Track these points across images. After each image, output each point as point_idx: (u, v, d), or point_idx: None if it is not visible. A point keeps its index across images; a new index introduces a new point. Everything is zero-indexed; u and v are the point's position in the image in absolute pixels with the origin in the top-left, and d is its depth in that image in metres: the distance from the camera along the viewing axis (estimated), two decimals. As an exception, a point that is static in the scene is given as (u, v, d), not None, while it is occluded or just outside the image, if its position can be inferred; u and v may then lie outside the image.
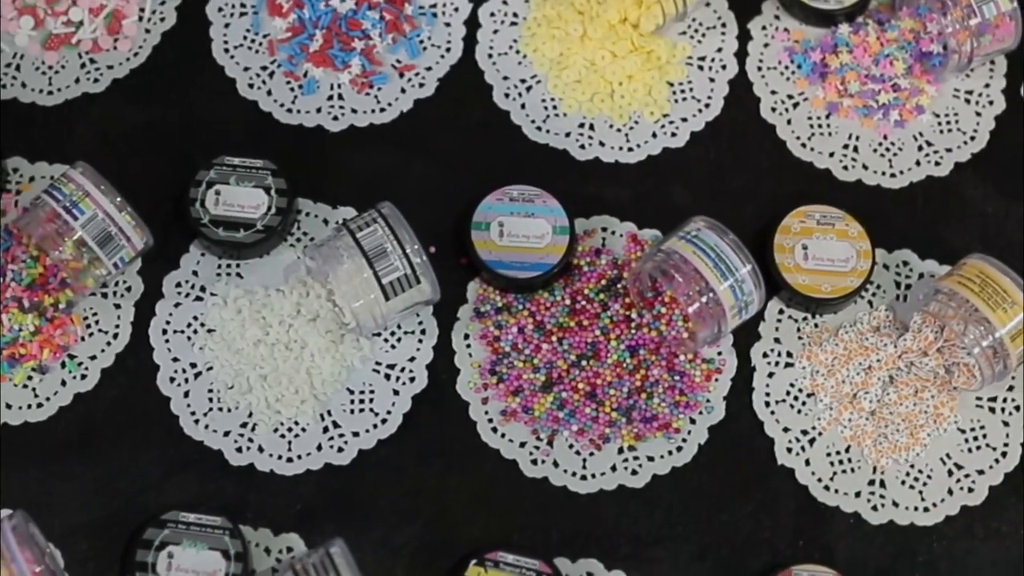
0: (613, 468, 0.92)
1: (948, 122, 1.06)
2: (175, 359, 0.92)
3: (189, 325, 0.93)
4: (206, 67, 1.03)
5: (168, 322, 0.93)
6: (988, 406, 0.96)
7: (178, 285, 0.94)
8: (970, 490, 0.92)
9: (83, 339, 0.93)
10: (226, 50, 1.02)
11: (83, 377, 0.91)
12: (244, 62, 1.02)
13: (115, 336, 0.93)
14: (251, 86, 1.01)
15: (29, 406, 0.89)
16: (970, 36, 1.01)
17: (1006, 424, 0.95)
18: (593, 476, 0.92)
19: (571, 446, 0.92)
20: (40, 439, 0.88)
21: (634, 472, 0.91)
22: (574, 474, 0.92)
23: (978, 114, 1.06)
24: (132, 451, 0.89)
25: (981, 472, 0.93)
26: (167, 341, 0.92)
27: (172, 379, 0.91)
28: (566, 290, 0.95)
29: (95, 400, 0.90)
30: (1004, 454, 0.94)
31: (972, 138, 1.05)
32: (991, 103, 1.06)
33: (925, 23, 1.04)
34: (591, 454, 0.92)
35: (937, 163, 1.04)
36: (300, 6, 1.01)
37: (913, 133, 1.05)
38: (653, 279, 0.92)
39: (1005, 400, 0.96)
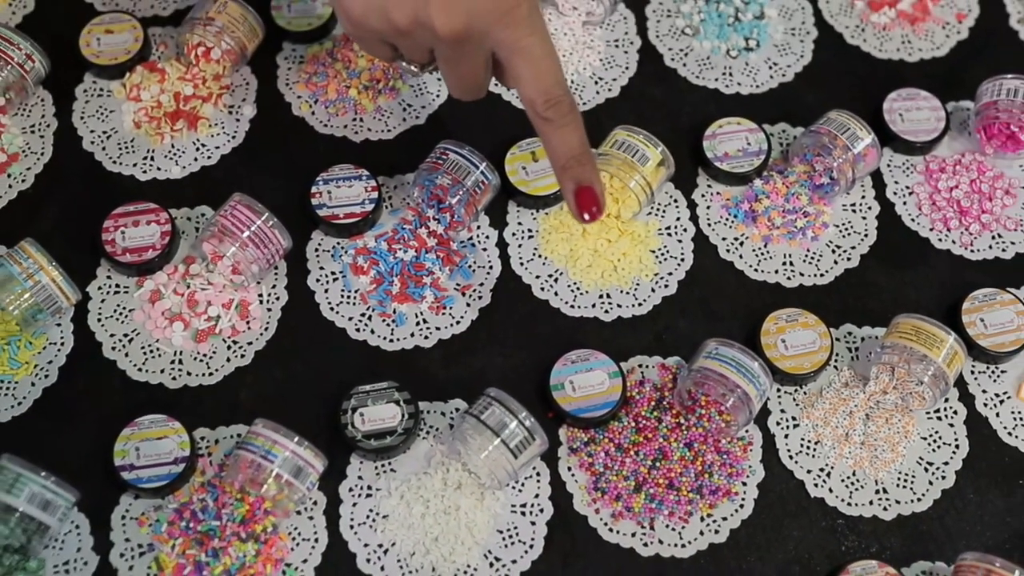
0: (701, 532, 1.03)
1: (846, 229, 1.18)
2: (365, 545, 1.01)
3: (368, 516, 1.02)
4: (320, 325, 1.10)
5: (352, 518, 1.02)
6: (936, 416, 1.09)
7: (350, 490, 1.03)
8: (943, 478, 1.06)
9: (292, 549, 1.01)
10: (332, 308, 1.11)
11: (302, 577, 1.02)
12: (347, 313, 1.11)
13: (316, 540, 1.01)
14: (357, 330, 1.10)
15: (267, 610, 0.99)
16: (850, 167, 1.15)
17: (952, 425, 1.09)
18: (689, 543, 1.03)
19: (667, 526, 1.03)
20: (281, 635, 0.98)
21: (716, 531, 1.03)
22: (675, 545, 1.02)
23: (864, 218, 1.18)
24: (353, 622, 0.99)
25: (946, 463, 1.07)
26: (355, 533, 1.02)
27: (368, 560, 1.00)
28: (629, 416, 1.06)
29: (315, 591, 1.01)
30: (957, 446, 1.08)
31: (866, 235, 1.18)
32: (870, 208, 1.19)
33: (813, 165, 1.17)
34: (683, 527, 1.03)
35: (848, 259, 1.16)
36: (376, 264, 1.11)
37: (826, 242, 1.17)
38: (690, 391, 1.06)
39: (945, 410, 1.10)
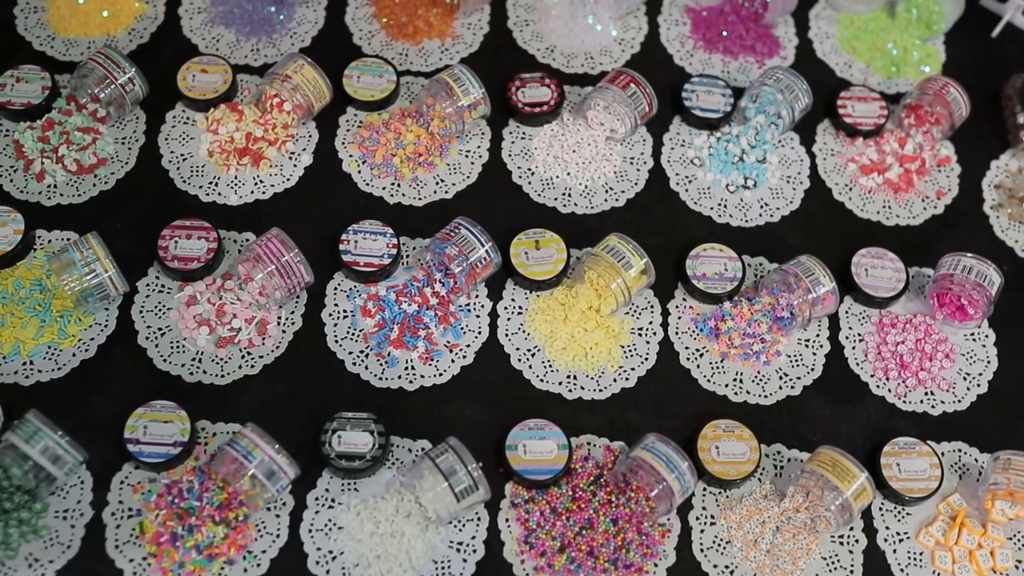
0: (609, 600, 1.07)
1: (796, 360, 1.20)
2: (318, 549, 1.05)
3: (326, 524, 1.07)
4: (323, 354, 1.15)
5: (312, 524, 1.07)
6: (839, 541, 1.10)
7: (316, 499, 1.08)
8: (834, 596, 1.09)
9: (256, 539, 1.06)
10: (336, 341, 1.16)
11: (258, 566, 1.04)
12: (348, 348, 1.16)
13: (277, 536, 1.06)
14: (354, 364, 1.15)
15: (223, 588, 1.03)
16: (808, 307, 1.18)
17: (851, 552, 1.10)
18: (596, 606, 1.06)
19: (581, 588, 1.07)
20: (232, 611, 1.02)
21: (622, 601, 1.07)
22: (584, 606, 1.06)
23: (814, 354, 1.21)
24: (296, 613, 1.03)
25: (840, 584, 1.10)
26: (312, 537, 1.06)
27: (318, 562, 1.05)
28: (568, 485, 1.10)
29: (268, 580, 1.05)
30: (852, 572, 1.09)
31: (812, 369, 1.20)
32: (821, 346, 1.21)
33: (778, 299, 1.19)
34: (594, 592, 1.07)
35: (792, 387, 1.19)
36: (382, 310, 1.17)
37: (775, 368, 1.19)
38: (624, 475, 1.09)
39: (847, 537, 1.11)
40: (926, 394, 1.20)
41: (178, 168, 1.25)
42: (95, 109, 1.24)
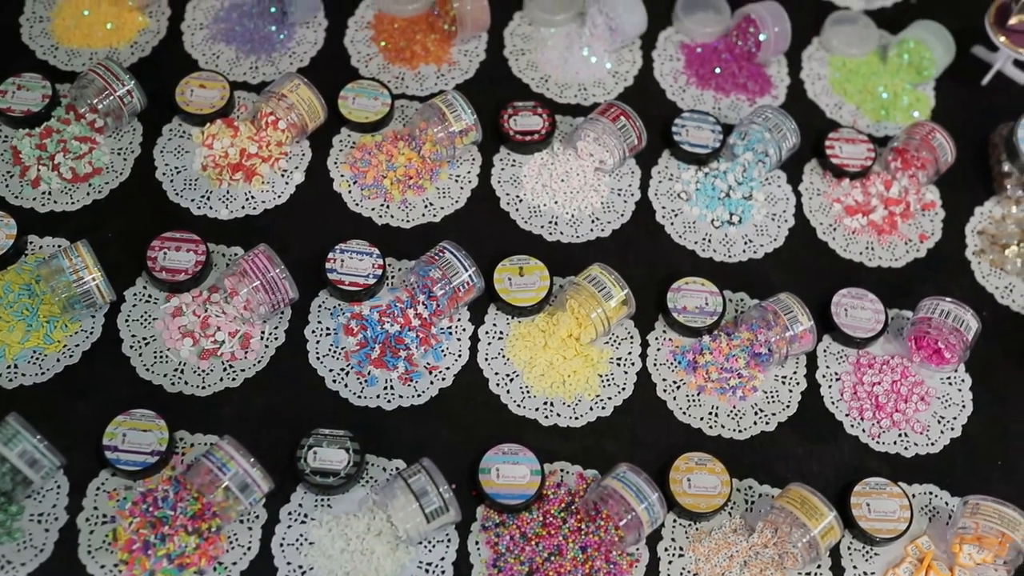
0: (574, 627, 1.07)
1: (772, 397, 1.20)
2: (288, 563, 1.06)
3: (297, 539, 1.07)
4: (304, 370, 1.16)
5: (284, 538, 1.07)
6: None
7: (289, 513, 1.08)
8: (799, 633, 1.10)
9: (227, 551, 1.06)
10: (318, 358, 1.17)
11: (228, 577, 1.07)
12: (329, 366, 1.16)
13: (249, 548, 1.07)
14: (334, 381, 1.16)
15: (192, 598, 1.04)
16: (785, 344, 1.19)
17: None
18: (561, 633, 1.07)
19: (546, 614, 1.07)
20: (200, 621, 1.03)
21: (587, 629, 1.07)
22: (549, 632, 1.07)
23: (790, 390, 1.21)
24: (262, 626, 1.04)
25: (805, 621, 1.10)
26: (283, 551, 1.07)
27: None
28: (539, 510, 1.10)
29: (236, 592, 1.05)
30: None
31: (788, 405, 1.20)
32: (798, 383, 1.21)
33: (756, 335, 1.20)
34: (559, 618, 1.07)
35: (767, 423, 1.19)
36: (364, 329, 1.17)
37: (751, 404, 1.20)
38: (595, 503, 1.10)
39: (814, 575, 1.11)
40: (900, 435, 1.20)
41: (171, 180, 1.27)
42: (93, 119, 1.26)
